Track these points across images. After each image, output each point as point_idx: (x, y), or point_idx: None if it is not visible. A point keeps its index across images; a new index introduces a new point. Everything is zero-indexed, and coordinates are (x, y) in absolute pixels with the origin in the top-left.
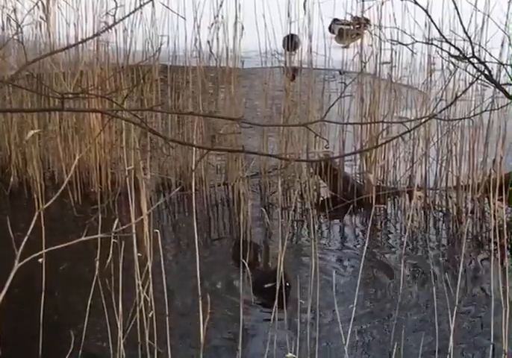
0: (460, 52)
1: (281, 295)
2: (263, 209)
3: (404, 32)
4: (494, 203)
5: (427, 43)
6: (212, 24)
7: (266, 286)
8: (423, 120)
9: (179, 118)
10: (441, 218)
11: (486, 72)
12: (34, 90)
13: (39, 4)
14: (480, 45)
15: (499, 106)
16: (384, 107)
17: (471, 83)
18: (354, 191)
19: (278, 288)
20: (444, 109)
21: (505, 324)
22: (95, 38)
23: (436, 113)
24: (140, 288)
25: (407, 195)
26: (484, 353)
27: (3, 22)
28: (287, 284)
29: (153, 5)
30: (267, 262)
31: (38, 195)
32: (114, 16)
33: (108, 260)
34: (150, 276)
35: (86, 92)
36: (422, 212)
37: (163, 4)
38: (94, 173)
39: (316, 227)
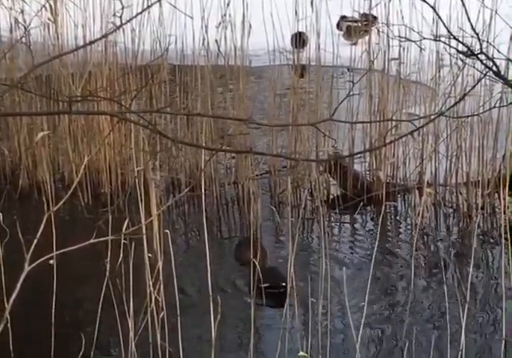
0: (468, 48)
1: (292, 294)
2: (273, 208)
3: (412, 29)
4: (504, 199)
5: (435, 40)
6: (220, 23)
7: (263, 285)
8: (432, 118)
9: (188, 118)
10: (451, 215)
11: (494, 68)
12: (42, 94)
13: (47, 5)
14: (488, 42)
15: (508, 101)
16: (393, 103)
17: (478, 80)
18: (364, 188)
19: (289, 287)
20: (452, 106)
21: None
22: (104, 39)
23: (445, 111)
24: (151, 288)
25: (417, 192)
26: (495, 349)
27: (11, 24)
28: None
29: (160, 5)
30: (276, 260)
31: (48, 197)
32: (120, 17)
33: (119, 261)
34: (161, 277)
35: (93, 95)
36: (432, 208)
37: (171, 4)
38: (104, 174)
39: (327, 224)
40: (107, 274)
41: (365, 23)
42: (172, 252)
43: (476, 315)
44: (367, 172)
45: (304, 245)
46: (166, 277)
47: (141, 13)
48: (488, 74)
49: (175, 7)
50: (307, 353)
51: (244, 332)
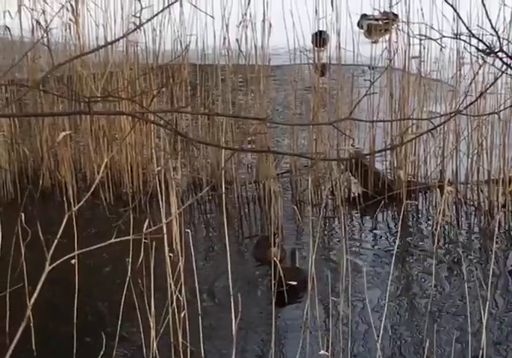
0: (488, 47)
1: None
2: (294, 207)
3: (432, 27)
4: None
5: (455, 38)
6: (240, 23)
7: (288, 283)
8: (449, 116)
9: (209, 118)
10: (473, 213)
11: None
12: (61, 94)
13: (68, 6)
14: (508, 39)
15: None
16: (414, 101)
17: (496, 78)
18: (385, 187)
19: (309, 286)
20: (470, 104)
21: None
22: (125, 39)
23: (462, 109)
24: (173, 288)
25: (438, 190)
26: None
27: (33, 25)
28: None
29: (181, 5)
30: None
31: (70, 197)
32: (139, 17)
33: (140, 260)
34: (182, 276)
35: (112, 95)
36: (454, 206)
37: (192, 4)
38: (125, 174)
39: (348, 223)
40: (129, 273)
41: (385, 21)
42: (192, 251)
43: (498, 314)
44: (388, 171)
45: (325, 244)
46: (187, 276)
47: (161, 12)
48: (507, 72)
49: (195, 6)
50: (327, 352)
51: (266, 330)
